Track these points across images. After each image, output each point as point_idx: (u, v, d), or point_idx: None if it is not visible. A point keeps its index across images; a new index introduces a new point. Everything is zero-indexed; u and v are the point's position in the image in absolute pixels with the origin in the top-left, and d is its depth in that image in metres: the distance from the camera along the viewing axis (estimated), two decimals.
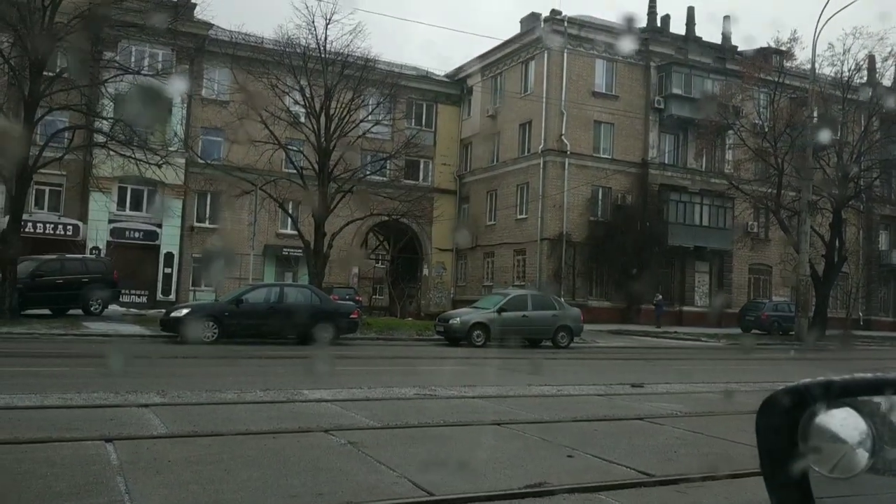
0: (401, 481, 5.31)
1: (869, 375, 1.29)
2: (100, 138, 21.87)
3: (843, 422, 1.27)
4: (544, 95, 34.18)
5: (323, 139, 24.45)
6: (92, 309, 22.04)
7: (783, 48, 30.83)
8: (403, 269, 38.41)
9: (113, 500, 4.55)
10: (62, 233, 30.47)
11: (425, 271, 39.59)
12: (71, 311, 21.72)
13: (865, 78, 32.50)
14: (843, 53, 29.68)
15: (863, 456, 1.25)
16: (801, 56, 32.06)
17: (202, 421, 7.40)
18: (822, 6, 26.66)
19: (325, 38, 24.42)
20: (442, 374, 13.61)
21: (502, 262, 36.65)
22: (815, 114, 29.89)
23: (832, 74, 30.62)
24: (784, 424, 1.29)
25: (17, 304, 19.68)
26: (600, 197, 35.23)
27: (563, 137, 34.19)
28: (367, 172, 27.84)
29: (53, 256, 22.79)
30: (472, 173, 40.04)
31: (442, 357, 17.96)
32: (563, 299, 25.31)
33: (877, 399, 1.30)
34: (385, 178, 30.44)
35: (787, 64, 32.02)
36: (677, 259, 35.89)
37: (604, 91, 35.50)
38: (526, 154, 35.78)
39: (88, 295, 21.98)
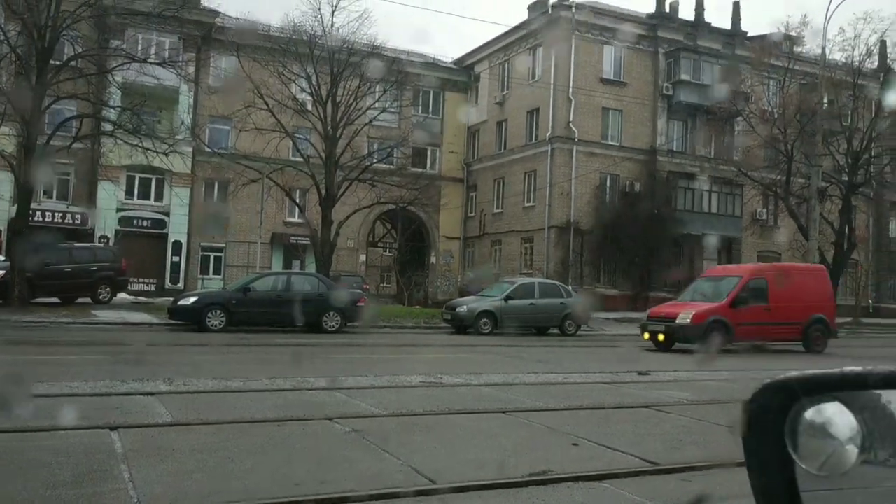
0: (404, 469, 5.31)
1: (859, 369, 1.24)
2: (107, 127, 21.89)
3: (833, 417, 1.22)
4: (552, 82, 33.97)
5: (329, 127, 24.42)
6: (100, 297, 22.14)
7: (793, 33, 30.54)
8: (411, 257, 38.42)
9: (116, 489, 4.55)
10: (70, 221, 30.60)
11: (433, 259, 39.57)
12: (79, 300, 21.85)
13: (877, 63, 32.18)
14: (854, 38, 29.44)
15: (852, 452, 1.20)
16: (812, 41, 31.65)
17: (208, 409, 7.42)
18: None
19: (332, 26, 24.41)
20: (448, 361, 13.62)
21: (509, 249, 36.58)
22: (826, 100, 29.61)
23: (843, 60, 30.31)
24: (770, 418, 1.25)
25: (26, 293, 19.78)
26: (608, 184, 35.05)
27: (570, 124, 34.01)
28: (374, 160, 27.77)
29: (62, 245, 22.88)
30: (480, 161, 39.92)
31: (449, 345, 17.97)
32: (570, 287, 25.24)
33: (868, 393, 1.25)
34: (392, 166, 30.36)
35: (798, 49, 31.68)
36: (686, 246, 35.74)
37: (612, 77, 35.23)
38: (534, 141, 35.62)
39: (97, 283, 22.08)
